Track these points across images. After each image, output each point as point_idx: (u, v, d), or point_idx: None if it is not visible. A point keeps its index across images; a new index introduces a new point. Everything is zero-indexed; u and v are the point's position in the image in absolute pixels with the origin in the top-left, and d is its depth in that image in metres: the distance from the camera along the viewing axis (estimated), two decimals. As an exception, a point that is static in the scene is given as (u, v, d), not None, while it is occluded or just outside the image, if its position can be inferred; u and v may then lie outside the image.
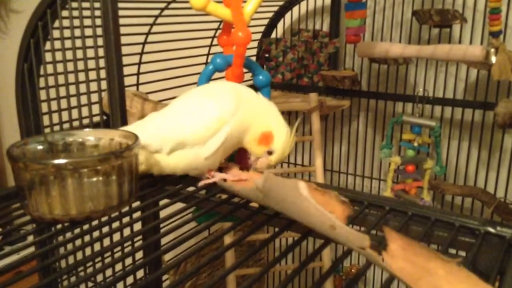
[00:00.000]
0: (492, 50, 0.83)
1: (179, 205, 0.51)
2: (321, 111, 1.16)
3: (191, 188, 0.55)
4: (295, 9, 1.28)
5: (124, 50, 0.84)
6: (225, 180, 0.51)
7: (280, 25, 1.31)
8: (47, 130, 0.74)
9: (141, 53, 0.94)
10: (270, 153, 0.53)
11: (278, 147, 0.52)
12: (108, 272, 0.89)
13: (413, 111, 1.15)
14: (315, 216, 0.40)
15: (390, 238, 0.37)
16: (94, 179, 0.42)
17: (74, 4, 0.66)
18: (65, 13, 0.68)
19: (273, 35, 1.32)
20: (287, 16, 1.29)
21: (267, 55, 1.30)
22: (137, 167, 0.47)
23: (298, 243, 0.45)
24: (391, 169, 1.09)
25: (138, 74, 0.95)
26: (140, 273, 0.96)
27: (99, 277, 1.06)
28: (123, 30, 0.82)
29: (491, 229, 0.43)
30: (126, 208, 0.49)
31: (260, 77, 0.65)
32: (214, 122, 0.49)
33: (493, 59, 0.82)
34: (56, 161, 0.42)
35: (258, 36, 1.30)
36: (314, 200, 0.42)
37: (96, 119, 0.72)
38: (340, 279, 1.31)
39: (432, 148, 1.11)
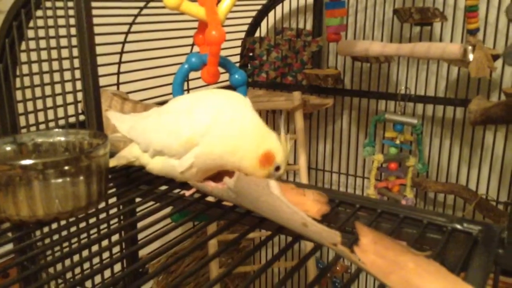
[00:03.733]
0: (470, 47, 0.83)
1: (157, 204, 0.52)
2: (304, 110, 1.17)
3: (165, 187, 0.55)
4: (278, 8, 1.28)
5: (103, 49, 0.84)
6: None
7: (263, 24, 1.31)
8: (23, 131, 0.74)
9: (121, 53, 0.93)
10: (278, 168, 0.50)
11: (282, 160, 0.49)
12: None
13: (395, 109, 1.16)
14: (287, 214, 0.41)
15: (361, 232, 0.37)
16: (61, 180, 0.42)
17: (49, 4, 0.66)
18: (39, 13, 0.67)
19: (257, 34, 1.31)
20: (271, 15, 1.29)
21: (251, 54, 1.30)
22: (107, 166, 0.47)
23: (269, 240, 0.45)
24: (374, 167, 1.09)
25: (118, 73, 0.95)
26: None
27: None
28: (102, 29, 0.81)
29: (458, 226, 0.43)
30: (103, 205, 0.49)
31: (236, 76, 0.65)
32: (184, 142, 0.48)
33: (471, 56, 0.83)
34: (23, 162, 0.41)
35: (242, 35, 1.30)
36: (287, 199, 0.43)
37: (73, 119, 0.71)
38: (325, 277, 1.31)
39: (415, 146, 1.12)
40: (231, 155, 0.48)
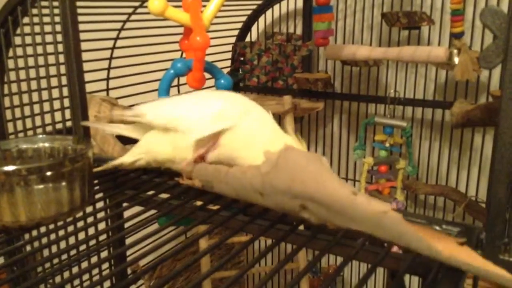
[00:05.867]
0: (455, 51, 0.84)
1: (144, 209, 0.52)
2: (295, 113, 1.17)
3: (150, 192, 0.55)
4: (269, 12, 1.29)
5: (92, 55, 0.84)
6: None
7: (254, 29, 1.32)
8: (11, 137, 0.74)
9: (110, 58, 0.94)
10: None
11: None
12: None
13: (385, 112, 1.17)
14: (335, 184, 0.40)
15: None
16: (43, 185, 0.42)
17: (35, 11, 0.66)
18: (26, 20, 0.68)
19: (248, 39, 1.32)
20: (261, 19, 1.30)
21: (242, 59, 1.31)
22: (90, 172, 0.47)
23: (250, 243, 0.45)
24: (364, 169, 1.10)
25: (107, 79, 0.95)
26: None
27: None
28: (91, 35, 0.82)
29: (437, 227, 0.44)
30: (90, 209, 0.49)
31: (222, 81, 0.65)
32: (212, 114, 0.49)
33: (456, 60, 0.84)
34: (6, 168, 0.42)
35: (233, 39, 1.31)
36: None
37: (60, 125, 0.72)
38: (318, 280, 1.31)
39: (404, 149, 1.12)
40: (251, 149, 0.49)
